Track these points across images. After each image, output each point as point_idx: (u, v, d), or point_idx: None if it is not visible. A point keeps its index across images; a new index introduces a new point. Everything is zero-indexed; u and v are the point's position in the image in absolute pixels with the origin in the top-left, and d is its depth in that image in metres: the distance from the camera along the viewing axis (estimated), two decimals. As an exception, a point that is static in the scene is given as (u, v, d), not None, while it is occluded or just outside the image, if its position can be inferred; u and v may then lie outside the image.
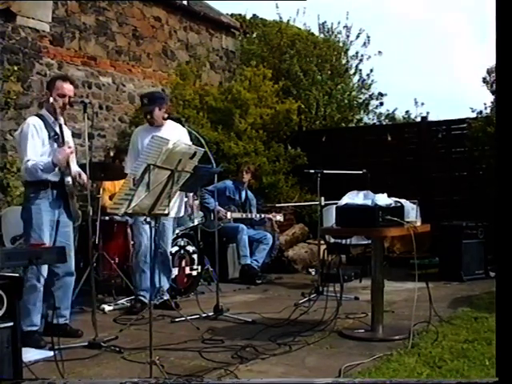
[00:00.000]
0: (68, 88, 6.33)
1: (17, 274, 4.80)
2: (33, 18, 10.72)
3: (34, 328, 5.89)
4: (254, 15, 16.99)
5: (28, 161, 5.93)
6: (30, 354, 5.26)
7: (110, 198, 8.50)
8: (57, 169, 6.01)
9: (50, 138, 6.10)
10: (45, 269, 5.83)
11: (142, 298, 7.40)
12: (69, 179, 6.11)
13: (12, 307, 4.53)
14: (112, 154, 10.25)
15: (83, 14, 11.58)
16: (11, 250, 5.33)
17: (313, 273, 10.42)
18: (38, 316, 5.94)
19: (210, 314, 7.06)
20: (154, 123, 7.41)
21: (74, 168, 6.28)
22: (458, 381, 4.69)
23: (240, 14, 16.57)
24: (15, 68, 10.22)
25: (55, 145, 6.10)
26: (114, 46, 12.13)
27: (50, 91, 6.25)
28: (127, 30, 12.43)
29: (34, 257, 4.71)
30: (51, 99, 6.15)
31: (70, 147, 6.13)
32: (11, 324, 4.54)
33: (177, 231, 8.49)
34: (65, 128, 6.36)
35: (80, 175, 6.22)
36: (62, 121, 6.26)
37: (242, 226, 9.99)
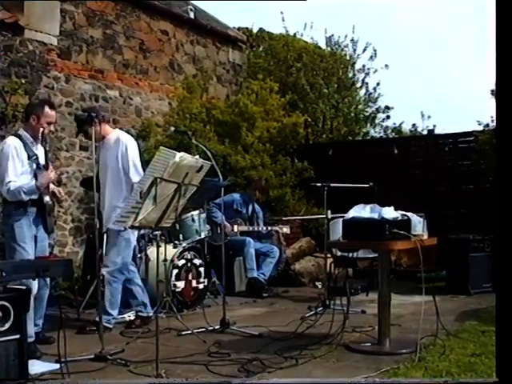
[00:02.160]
0: (53, 115, 6.49)
1: (24, 287, 4.81)
2: (40, 32, 10.78)
3: (30, 339, 5.91)
4: (261, 29, 17.05)
5: (9, 182, 6.07)
6: (36, 367, 5.26)
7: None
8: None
9: (29, 158, 6.22)
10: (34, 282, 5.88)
11: (140, 314, 7.39)
12: (47, 198, 6.27)
13: (18, 320, 4.55)
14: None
15: (90, 28, 11.64)
16: (19, 263, 5.35)
17: (319, 286, 10.40)
18: (31, 327, 5.98)
19: (217, 327, 7.05)
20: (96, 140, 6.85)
21: (52, 186, 6.41)
22: (458, 381, 4.69)
23: (247, 28, 16.62)
24: (23, 81, 10.26)
25: (34, 165, 6.23)
26: (121, 60, 12.18)
27: (38, 116, 6.31)
28: (134, 44, 12.47)
29: (42, 269, 4.72)
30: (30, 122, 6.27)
31: (53, 173, 6.28)
32: (18, 336, 4.55)
33: (184, 244, 8.50)
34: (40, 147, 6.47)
35: (59, 192, 6.46)
36: (44, 145, 6.41)
37: (248, 239, 9.98)
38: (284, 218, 11.03)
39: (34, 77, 10.61)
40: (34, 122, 6.29)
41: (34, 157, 6.23)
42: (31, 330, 5.96)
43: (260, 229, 10.33)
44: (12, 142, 6.19)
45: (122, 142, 7.11)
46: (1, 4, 10.50)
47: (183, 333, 6.81)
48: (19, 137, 6.26)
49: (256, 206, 10.56)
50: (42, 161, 6.29)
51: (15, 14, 10.47)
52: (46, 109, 6.39)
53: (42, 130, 6.29)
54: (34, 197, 6.18)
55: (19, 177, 6.11)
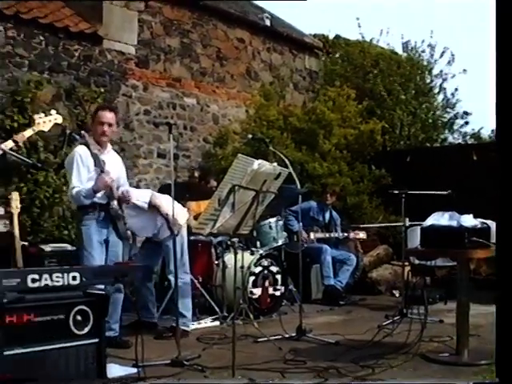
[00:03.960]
0: (106, 115, 6.54)
1: (103, 292, 4.89)
2: (119, 42, 10.98)
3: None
4: (337, 35, 16.99)
5: (73, 188, 6.25)
6: (113, 370, 5.33)
7: (195, 218, 8.57)
8: (102, 193, 6.28)
9: (95, 165, 6.31)
10: None
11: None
12: (114, 203, 6.34)
13: (97, 324, 4.62)
14: (197, 174, 10.35)
15: (168, 37, 11.79)
16: (98, 268, 5.43)
17: (397, 294, 10.29)
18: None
19: (293, 334, 7.03)
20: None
21: (122, 189, 6.53)
22: (461, 382, 4.60)
23: (323, 35, 16.58)
24: (102, 90, 10.48)
25: (100, 171, 6.31)
26: (198, 68, 12.30)
27: (93, 120, 6.59)
28: (211, 52, 12.59)
29: (121, 275, 4.79)
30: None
31: (110, 177, 6.31)
32: (96, 340, 4.62)
33: (261, 251, 8.52)
34: (113, 154, 6.65)
35: (127, 192, 6.49)
36: (109, 148, 6.57)
37: (325, 246, 9.94)
38: (361, 226, 10.94)
39: (113, 86, 10.82)
40: (94, 128, 6.50)
41: (101, 163, 6.33)
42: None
43: (337, 235, 10.28)
44: (79, 149, 6.37)
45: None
46: (80, 15, 10.73)
47: (259, 340, 6.82)
48: (86, 144, 6.39)
49: (333, 214, 10.51)
50: (107, 167, 6.39)
51: (94, 25, 10.70)
52: (100, 112, 6.57)
53: (101, 131, 6.42)
54: (102, 201, 6.30)
55: (83, 183, 6.26)
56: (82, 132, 6.57)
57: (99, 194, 6.28)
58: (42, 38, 10.06)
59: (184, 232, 7.16)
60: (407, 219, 8.63)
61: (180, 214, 6.86)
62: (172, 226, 6.59)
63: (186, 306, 7.08)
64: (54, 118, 6.39)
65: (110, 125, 6.51)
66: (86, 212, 6.33)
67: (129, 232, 6.50)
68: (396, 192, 8.50)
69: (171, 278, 7.02)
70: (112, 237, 6.40)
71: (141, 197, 6.90)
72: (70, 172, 6.32)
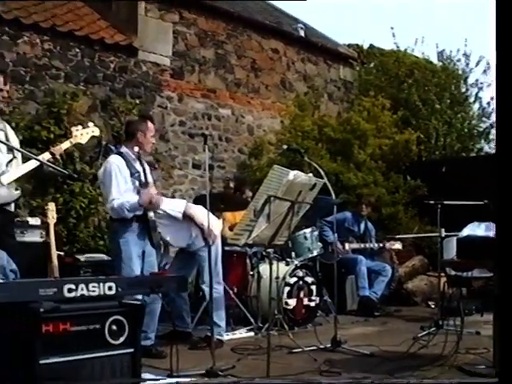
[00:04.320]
0: (154, 127, 6.64)
1: (138, 302, 4.91)
2: (154, 53, 11.07)
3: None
4: (371, 45, 16.92)
5: (113, 199, 6.18)
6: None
7: (230, 228, 8.59)
8: None
9: (131, 175, 6.32)
10: None
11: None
12: (151, 214, 6.35)
13: (133, 334, 4.63)
14: (232, 185, 10.37)
15: (202, 48, 11.86)
16: (134, 279, 5.46)
17: (432, 306, 10.21)
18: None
19: (328, 345, 6.99)
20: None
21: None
22: (459, 381, 4.55)
23: (357, 44, 16.52)
24: (137, 101, 10.56)
25: (136, 182, 6.32)
26: (232, 79, 12.34)
27: (144, 132, 6.47)
28: (246, 63, 12.62)
29: (156, 285, 4.80)
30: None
31: (152, 187, 6.38)
32: (132, 350, 4.63)
33: (296, 262, 8.50)
34: (145, 163, 6.62)
35: (158, 200, 6.43)
36: (144, 162, 6.56)
37: (360, 257, 9.90)
38: (397, 236, 10.87)
39: (148, 97, 10.89)
40: (142, 138, 6.45)
41: (137, 173, 6.33)
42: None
43: (372, 246, 10.23)
44: (115, 160, 6.32)
45: None
46: (115, 27, 10.83)
47: (294, 350, 6.79)
48: (121, 154, 6.38)
49: (368, 224, 10.46)
50: (144, 177, 6.41)
51: (129, 37, 10.79)
52: (149, 124, 6.57)
53: (151, 144, 6.46)
54: (139, 213, 6.27)
55: (122, 194, 6.21)
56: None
57: None
58: (77, 50, 10.17)
59: (218, 242, 7.16)
60: (443, 230, 8.56)
61: (214, 224, 6.87)
62: (207, 236, 6.59)
63: (219, 316, 7.07)
64: (91, 131, 6.42)
65: (153, 136, 6.59)
66: (124, 225, 6.29)
67: (160, 242, 6.52)
68: (431, 202, 8.44)
69: (205, 288, 7.02)
70: (148, 247, 6.40)
71: (175, 207, 6.91)
72: (108, 183, 6.26)
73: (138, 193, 6.28)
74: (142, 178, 6.34)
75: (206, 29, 12.00)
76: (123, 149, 6.48)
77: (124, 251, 6.24)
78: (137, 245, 6.29)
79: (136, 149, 6.42)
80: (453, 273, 8.07)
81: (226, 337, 7.48)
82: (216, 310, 6.93)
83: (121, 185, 6.24)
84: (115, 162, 6.29)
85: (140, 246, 6.33)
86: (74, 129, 6.35)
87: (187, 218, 6.90)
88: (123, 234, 6.27)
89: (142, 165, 6.48)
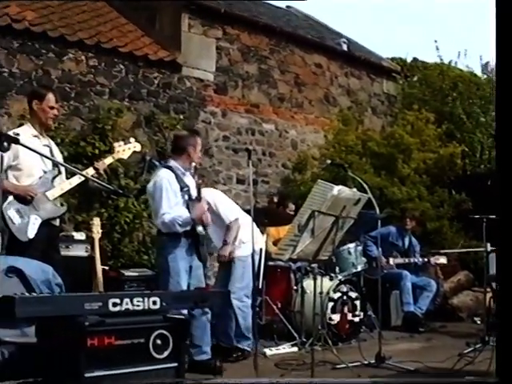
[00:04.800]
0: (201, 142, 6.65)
1: (183, 316, 4.92)
2: (197, 69, 11.15)
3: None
4: (415, 58, 16.83)
5: (164, 214, 6.17)
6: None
7: (274, 243, 8.59)
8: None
9: (181, 189, 6.31)
10: None
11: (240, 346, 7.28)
12: (200, 228, 6.30)
13: (177, 348, 4.64)
14: (275, 199, 10.37)
15: (246, 63, 11.90)
16: (178, 293, 5.47)
17: (478, 322, 10.07)
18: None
19: (372, 361, 6.94)
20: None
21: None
22: (459, 380, 4.46)
23: (400, 58, 16.45)
24: (181, 117, 10.64)
25: (186, 196, 6.32)
26: (276, 94, 12.36)
27: (194, 146, 6.49)
28: (289, 78, 12.64)
29: (200, 300, 4.81)
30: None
31: (205, 202, 6.36)
32: (176, 364, 4.64)
33: (340, 277, 8.46)
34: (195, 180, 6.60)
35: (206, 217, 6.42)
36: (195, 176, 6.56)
37: (405, 272, 9.81)
38: (441, 251, 10.76)
39: (192, 112, 10.96)
40: (192, 152, 6.46)
41: (186, 188, 6.32)
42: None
43: (416, 260, 10.13)
44: (165, 174, 6.32)
45: None
46: (159, 43, 10.93)
47: (338, 366, 6.73)
48: (170, 168, 6.39)
49: (413, 239, 10.37)
50: (193, 191, 6.39)
51: (173, 53, 10.89)
52: (198, 138, 6.61)
53: (199, 159, 6.49)
54: (188, 228, 6.25)
55: (173, 208, 6.20)
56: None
57: None
58: (122, 66, 10.28)
59: (248, 255, 7.12)
60: (489, 244, 8.46)
61: (258, 239, 6.87)
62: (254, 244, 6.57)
63: (248, 328, 7.08)
64: (132, 146, 6.48)
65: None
66: (172, 239, 6.27)
67: (207, 255, 6.53)
68: (477, 217, 8.34)
69: (234, 300, 7.00)
70: (195, 262, 6.36)
71: (228, 211, 6.96)
72: (158, 197, 6.25)
73: (188, 207, 6.29)
74: (192, 193, 6.35)
75: (249, 44, 12.05)
76: (172, 163, 6.47)
77: (172, 267, 6.21)
78: (184, 260, 6.27)
79: (193, 164, 6.49)
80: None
81: (270, 352, 7.47)
82: (245, 322, 6.96)
83: (171, 199, 6.23)
84: (165, 177, 6.29)
85: (187, 261, 6.29)
86: (116, 144, 6.42)
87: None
88: (172, 249, 6.25)
89: (191, 179, 6.50)
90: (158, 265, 6.56)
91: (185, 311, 5.31)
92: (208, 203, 6.70)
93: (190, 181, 6.47)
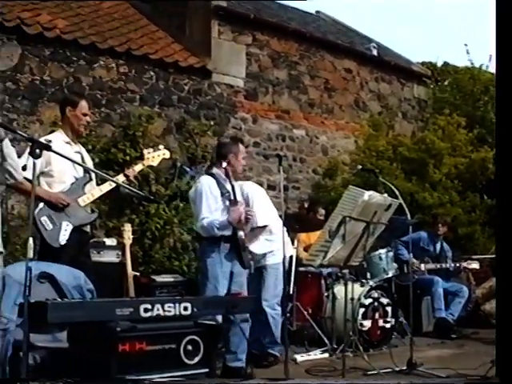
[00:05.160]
0: (244, 149, 6.66)
1: (213, 322, 4.92)
2: (227, 75, 11.19)
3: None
4: (445, 62, 16.75)
5: (203, 219, 6.21)
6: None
7: (305, 249, 8.57)
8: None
9: (222, 195, 6.32)
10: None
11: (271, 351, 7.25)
12: (241, 233, 6.29)
13: (208, 354, 4.64)
14: (306, 205, 10.35)
15: (276, 69, 11.92)
16: (210, 299, 5.48)
17: (511, 328, 9.97)
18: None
19: (404, 368, 6.89)
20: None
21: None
22: (460, 380, 4.41)
23: (431, 62, 16.38)
24: (211, 123, 10.67)
25: (227, 202, 6.31)
26: (306, 99, 12.36)
27: (236, 153, 6.51)
28: (319, 83, 12.63)
29: (231, 306, 4.82)
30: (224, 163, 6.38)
31: (242, 205, 6.34)
32: (206, 370, 4.65)
33: (371, 283, 8.42)
34: (236, 184, 6.59)
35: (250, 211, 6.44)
36: (233, 181, 6.52)
37: (437, 278, 9.73)
38: (473, 257, 10.67)
39: (222, 118, 10.99)
40: (234, 160, 6.49)
41: (227, 193, 6.33)
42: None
43: (448, 266, 10.05)
44: (206, 180, 6.38)
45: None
46: (189, 50, 10.99)
47: (369, 373, 6.69)
48: (212, 175, 6.43)
49: (444, 245, 10.29)
50: (234, 196, 6.39)
51: (203, 59, 10.93)
52: (241, 146, 6.63)
53: (241, 166, 6.52)
54: (228, 233, 6.25)
55: (213, 213, 6.24)
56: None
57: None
58: (152, 73, 10.35)
59: (279, 263, 7.12)
60: (522, 250, 8.38)
61: (289, 244, 6.87)
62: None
63: (278, 335, 7.08)
64: (162, 153, 6.51)
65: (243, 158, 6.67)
66: (212, 244, 6.30)
67: (252, 262, 6.53)
68: (510, 222, 8.27)
69: (266, 307, 6.99)
70: (236, 267, 6.35)
71: (260, 213, 6.97)
72: (199, 202, 6.31)
73: (228, 212, 6.32)
74: (232, 197, 6.36)
75: (278, 50, 12.07)
76: (214, 170, 6.53)
77: (210, 270, 6.23)
78: (224, 265, 6.26)
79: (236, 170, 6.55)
80: (533, 294, 7.88)
81: (301, 358, 7.45)
82: (277, 330, 6.96)
83: (211, 204, 6.29)
84: (206, 183, 6.37)
85: (228, 266, 6.29)
86: (145, 151, 6.45)
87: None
88: (211, 253, 6.27)
89: (231, 184, 6.51)
90: (199, 268, 6.58)
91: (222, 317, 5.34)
92: (245, 197, 6.78)
93: (231, 186, 6.47)
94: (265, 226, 7.05)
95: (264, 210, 7.12)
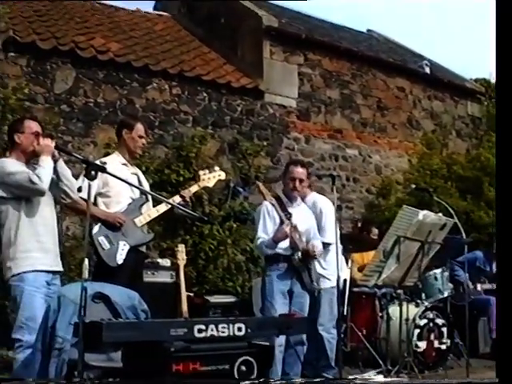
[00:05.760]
0: (299, 171, 6.62)
1: (267, 343, 4.91)
2: (280, 95, 11.21)
3: None
4: (500, 79, 16.56)
5: (258, 238, 6.40)
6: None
7: (359, 269, 8.51)
8: (287, 245, 6.32)
9: (282, 217, 6.36)
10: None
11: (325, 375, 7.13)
12: (297, 254, 6.34)
13: (261, 375, 4.63)
14: (360, 225, 10.29)
15: (328, 89, 11.91)
16: (263, 319, 5.47)
17: None
18: None
19: (461, 389, 6.80)
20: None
21: (312, 242, 6.50)
22: (459, 381, 4.27)
23: (484, 79, 16.20)
24: (264, 143, 10.68)
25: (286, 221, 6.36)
26: (359, 118, 12.32)
27: (285, 176, 6.66)
28: (371, 102, 12.58)
29: (285, 326, 4.80)
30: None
31: (291, 227, 6.31)
32: (260, 391, 4.63)
33: (426, 303, 8.32)
34: (303, 208, 6.68)
35: (314, 247, 6.42)
36: (299, 201, 6.63)
37: (493, 298, 9.57)
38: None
39: (275, 139, 11.01)
40: (286, 182, 6.64)
41: (289, 215, 6.38)
42: None
43: (505, 287, 9.88)
44: (267, 203, 6.45)
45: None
46: (241, 71, 11.04)
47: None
48: (276, 198, 6.50)
49: (501, 264, 10.14)
50: (294, 219, 6.42)
51: (255, 80, 10.97)
52: (290, 167, 6.68)
53: (292, 186, 6.54)
54: (287, 252, 6.34)
55: (269, 234, 6.35)
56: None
57: (283, 245, 6.34)
58: (205, 94, 10.42)
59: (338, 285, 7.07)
60: None
61: (343, 266, 6.84)
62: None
63: (333, 359, 7.02)
64: (217, 175, 6.54)
65: (301, 180, 6.62)
66: (270, 262, 6.45)
67: (315, 284, 6.51)
68: None
69: (321, 331, 6.94)
70: (296, 288, 6.39)
71: (330, 230, 6.93)
72: (257, 222, 6.51)
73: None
74: (293, 220, 6.38)
75: (330, 69, 12.06)
76: (279, 192, 6.70)
77: (268, 289, 6.36)
78: (281, 283, 6.33)
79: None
80: None
81: (357, 381, 7.37)
82: (332, 354, 6.91)
83: (267, 225, 6.41)
84: (267, 204, 6.46)
85: (285, 284, 6.35)
86: (201, 173, 6.49)
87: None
88: (268, 271, 6.42)
89: (296, 209, 6.59)
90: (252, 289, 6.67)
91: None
92: (319, 211, 6.80)
93: (294, 210, 6.54)
94: (332, 244, 7.01)
95: (332, 227, 7.10)
